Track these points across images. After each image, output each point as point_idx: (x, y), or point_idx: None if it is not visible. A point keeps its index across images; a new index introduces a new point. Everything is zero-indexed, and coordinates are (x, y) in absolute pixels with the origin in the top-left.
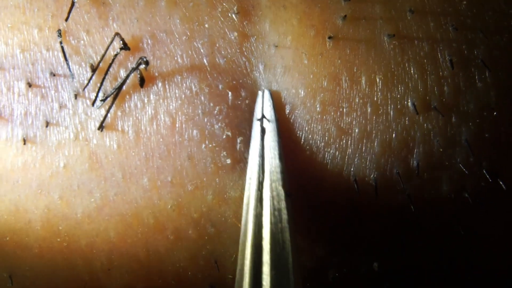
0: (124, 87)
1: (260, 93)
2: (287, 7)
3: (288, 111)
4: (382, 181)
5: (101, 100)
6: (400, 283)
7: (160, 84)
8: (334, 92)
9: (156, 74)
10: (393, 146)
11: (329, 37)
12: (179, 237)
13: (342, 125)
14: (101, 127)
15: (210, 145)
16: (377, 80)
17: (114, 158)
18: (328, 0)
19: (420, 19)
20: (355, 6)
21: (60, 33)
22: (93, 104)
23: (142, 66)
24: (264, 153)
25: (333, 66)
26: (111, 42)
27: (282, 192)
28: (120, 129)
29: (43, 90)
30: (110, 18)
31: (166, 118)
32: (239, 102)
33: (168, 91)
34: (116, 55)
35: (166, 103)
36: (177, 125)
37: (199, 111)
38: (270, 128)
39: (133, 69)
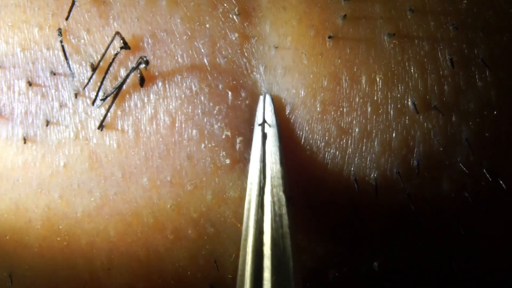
0: (124, 87)
1: (261, 97)
2: (287, 8)
3: (288, 111)
4: (382, 180)
5: (101, 100)
6: (400, 283)
7: (160, 84)
8: (334, 92)
9: (156, 73)
10: (393, 145)
11: (329, 37)
12: (178, 236)
13: (342, 125)
14: (101, 127)
15: (210, 145)
16: (377, 79)
17: (114, 158)
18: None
19: (420, 18)
20: (355, 6)
21: (60, 32)
22: (93, 103)
23: (142, 66)
24: (265, 158)
25: (333, 66)
26: (112, 41)
27: (283, 198)
28: (120, 128)
29: (43, 89)
30: (111, 17)
31: (166, 118)
32: (239, 103)
33: (168, 90)
34: (116, 54)
35: (166, 103)
36: (176, 125)
37: (199, 111)
38: (271, 133)
39: (133, 69)
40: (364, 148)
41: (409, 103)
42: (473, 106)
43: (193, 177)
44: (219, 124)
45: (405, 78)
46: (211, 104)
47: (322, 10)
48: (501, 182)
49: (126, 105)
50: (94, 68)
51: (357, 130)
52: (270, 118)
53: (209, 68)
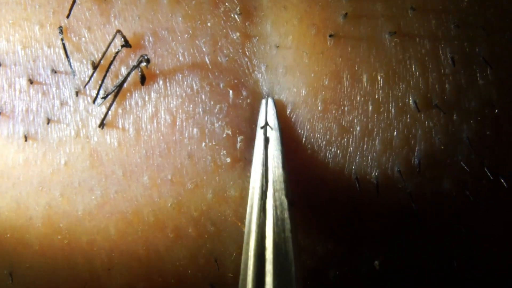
0: (125, 85)
1: (263, 101)
2: (288, 7)
3: (289, 110)
4: (383, 179)
5: (102, 98)
6: (400, 282)
7: (161, 82)
8: (335, 90)
9: (157, 72)
10: (394, 144)
11: (330, 36)
12: (179, 235)
13: (343, 123)
14: (102, 125)
15: (210, 144)
16: (378, 78)
17: (114, 156)
18: None
19: (422, 16)
20: (356, 4)
21: (61, 30)
22: (94, 101)
23: (143, 64)
24: (267, 162)
25: (334, 64)
26: (113, 39)
27: (285, 202)
28: (120, 126)
29: (44, 87)
30: (112, 15)
31: (167, 116)
32: (240, 101)
33: (169, 89)
34: (117, 52)
35: (166, 101)
36: (177, 123)
37: (200, 110)
38: (274, 136)
39: (134, 67)
40: (365, 146)
41: (410, 101)
42: (474, 104)
43: (194, 175)
44: (220, 123)
45: (406, 77)
46: (212, 102)
47: (323, 9)
48: (502, 180)
49: (127, 103)
50: (95, 66)
51: (358, 128)
52: (273, 121)
53: (210, 67)
